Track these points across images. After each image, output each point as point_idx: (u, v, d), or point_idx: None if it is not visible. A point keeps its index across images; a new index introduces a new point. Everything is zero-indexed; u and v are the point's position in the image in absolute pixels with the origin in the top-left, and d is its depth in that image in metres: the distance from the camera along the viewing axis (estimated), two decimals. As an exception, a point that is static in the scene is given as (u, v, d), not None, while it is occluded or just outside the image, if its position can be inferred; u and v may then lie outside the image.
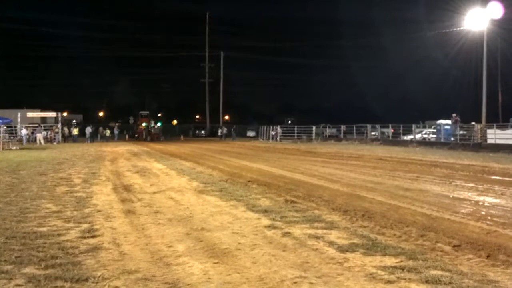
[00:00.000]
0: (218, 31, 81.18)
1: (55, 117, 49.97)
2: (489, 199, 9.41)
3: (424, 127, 39.55)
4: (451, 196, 9.82)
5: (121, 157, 23.19)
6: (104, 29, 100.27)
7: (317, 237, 6.22)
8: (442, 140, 33.24)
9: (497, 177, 13.42)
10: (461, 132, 33.12)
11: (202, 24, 68.17)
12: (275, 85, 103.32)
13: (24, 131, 42.43)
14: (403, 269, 4.85)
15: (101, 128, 52.66)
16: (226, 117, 76.46)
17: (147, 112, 61.26)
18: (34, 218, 7.48)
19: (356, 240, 6.06)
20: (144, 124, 56.54)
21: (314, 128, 48.51)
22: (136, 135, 56.99)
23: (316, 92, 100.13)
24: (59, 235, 6.39)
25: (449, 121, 36.19)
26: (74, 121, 61.32)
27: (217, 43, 67.96)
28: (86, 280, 4.55)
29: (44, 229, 6.75)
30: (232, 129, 58.12)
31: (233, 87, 77.17)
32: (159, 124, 59.22)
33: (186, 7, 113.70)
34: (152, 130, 55.66)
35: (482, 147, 27.76)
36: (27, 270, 4.87)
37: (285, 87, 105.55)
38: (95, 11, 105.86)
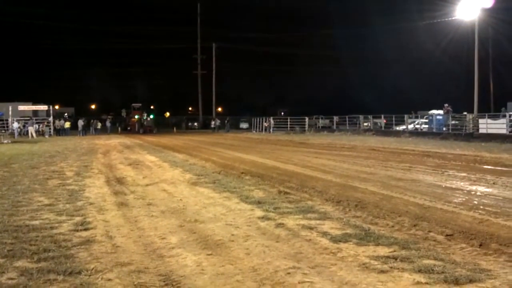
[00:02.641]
0: (210, 22, 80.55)
1: (46, 110, 49.59)
2: (481, 189, 9.46)
3: (416, 117, 39.72)
4: (443, 186, 9.87)
5: (113, 149, 23.09)
6: (96, 21, 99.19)
7: (310, 228, 6.23)
8: (434, 130, 33.41)
9: (489, 167, 13.50)
10: (453, 122, 33.32)
11: (194, 15, 67.75)
12: (268, 76, 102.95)
13: (15, 125, 42.17)
14: (396, 259, 4.87)
15: (93, 121, 52.38)
16: (219, 109, 76.24)
17: (140, 104, 60.85)
18: (26, 212, 7.45)
19: (349, 231, 6.07)
20: (136, 117, 56.24)
21: (307, 119, 48.54)
22: (128, 128, 56.69)
23: (309, 83, 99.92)
24: (51, 228, 6.37)
25: (441, 111, 36.37)
26: (66, 114, 60.95)
27: (209, 35, 67.56)
28: (79, 273, 4.54)
29: (37, 222, 6.73)
30: (226, 121, 57.92)
31: (226, 78, 76.72)
32: (151, 116, 59.00)
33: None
34: (145, 123, 55.44)
35: (474, 136, 27.91)
36: (20, 263, 4.85)
37: (278, 78, 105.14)
38: (87, 3, 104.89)
